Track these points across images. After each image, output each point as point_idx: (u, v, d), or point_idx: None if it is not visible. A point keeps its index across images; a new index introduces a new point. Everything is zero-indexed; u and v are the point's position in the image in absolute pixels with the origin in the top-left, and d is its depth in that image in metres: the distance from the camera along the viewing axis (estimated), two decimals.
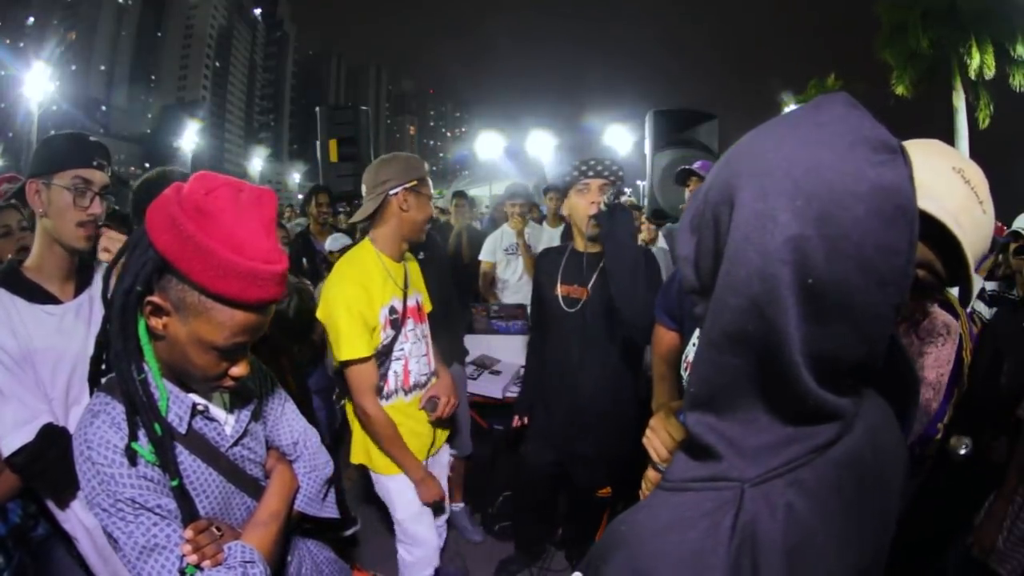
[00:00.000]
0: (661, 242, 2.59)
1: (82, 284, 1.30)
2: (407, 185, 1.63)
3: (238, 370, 0.86)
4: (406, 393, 1.74)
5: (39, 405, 1.15)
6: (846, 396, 0.48)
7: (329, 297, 1.60)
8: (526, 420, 2.22)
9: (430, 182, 1.70)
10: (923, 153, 0.80)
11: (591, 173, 1.82)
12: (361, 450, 1.76)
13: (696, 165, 2.52)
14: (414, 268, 1.87)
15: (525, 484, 2.38)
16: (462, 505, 2.69)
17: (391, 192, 1.64)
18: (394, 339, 1.68)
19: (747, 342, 0.45)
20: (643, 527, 0.49)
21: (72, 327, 1.24)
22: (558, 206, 3.48)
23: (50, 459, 1.11)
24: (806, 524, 0.45)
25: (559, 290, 1.96)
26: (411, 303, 1.75)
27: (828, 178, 0.41)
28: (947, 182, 0.79)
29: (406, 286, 1.74)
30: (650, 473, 1.08)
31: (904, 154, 0.43)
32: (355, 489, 3.15)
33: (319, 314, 1.66)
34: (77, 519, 1.22)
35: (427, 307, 1.89)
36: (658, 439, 1.05)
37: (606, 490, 2.18)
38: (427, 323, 1.86)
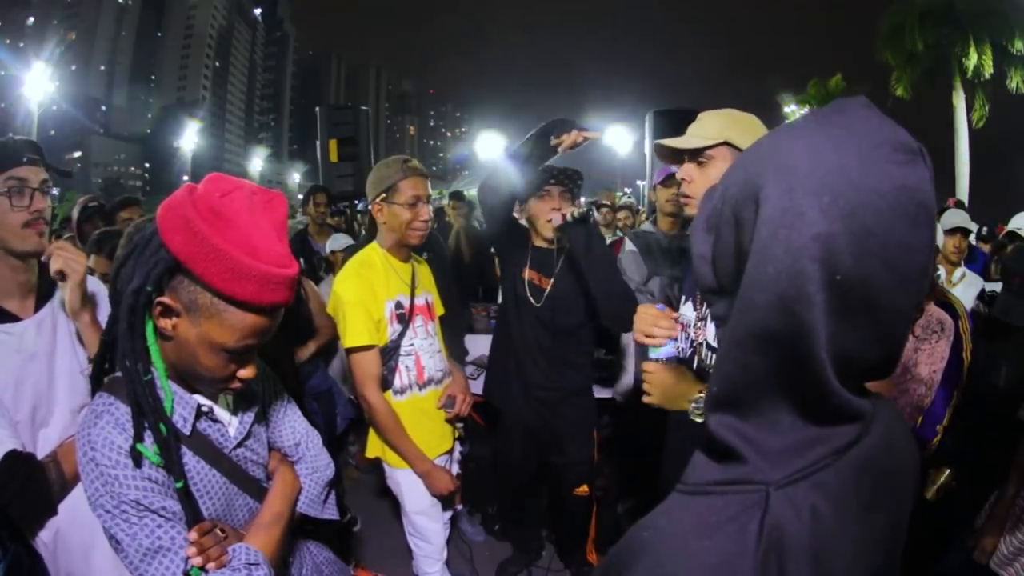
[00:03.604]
0: (628, 245, 2.58)
1: (44, 296, 1.23)
2: (378, 198, 1.69)
3: (246, 372, 0.86)
4: (420, 388, 1.77)
5: (1, 432, 1.07)
6: (865, 396, 0.48)
7: (337, 291, 1.67)
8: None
9: (412, 182, 1.66)
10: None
11: (552, 180, 1.95)
12: (377, 443, 1.79)
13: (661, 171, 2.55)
14: (424, 270, 1.92)
15: (503, 483, 2.40)
16: (460, 506, 2.70)
17: (369, 206, 1.75)
18: (402, 334, 1.72)
19: (773, 340, 0.44)
20: (667, 533, 0.48)
21: (33, 344, 1.17)
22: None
23: (13, 489, 1.04)
24: (830, 527, 0.45)
25: (526, 274, 2.06)
26: (419, 301, 1.79)
27: (854, 176, 0.42)
28: None
29: (414, 285, 1.78)
30: (645, 364, 1.21)
31: (924, 156, 0.44)
32: (356, 488, 3.15)
33: (329, 308, 1.74)
34: (41, 542, 1.15)
35: (439, 310, 1.94)
36: (642, 320, 1.20)
37: (583, 488, 2.18)
38: (438, 322, 1.90)
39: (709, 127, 1.26)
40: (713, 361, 1.24)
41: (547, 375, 2.05)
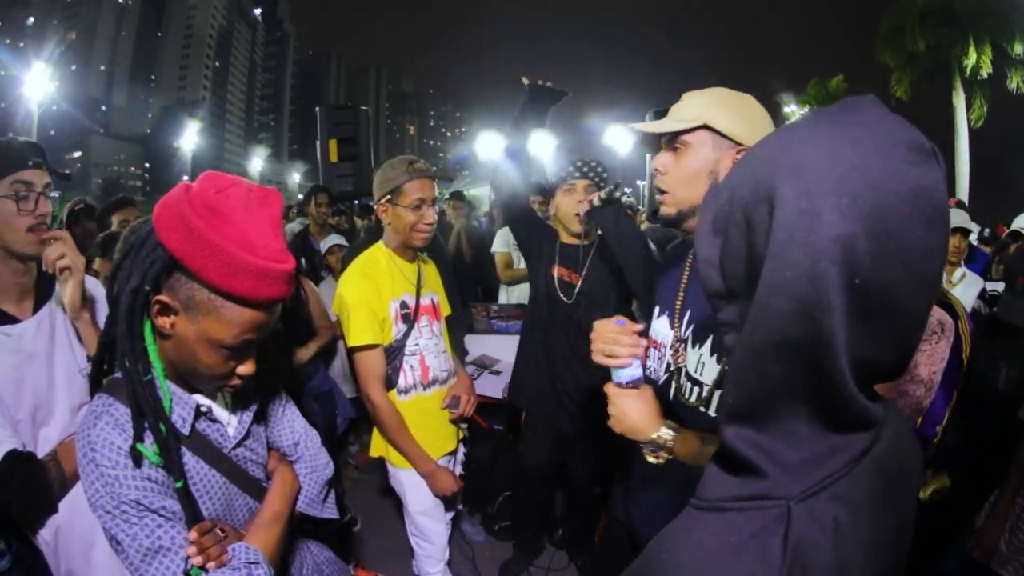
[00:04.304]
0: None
1: (42, 297, 1.24)
2: (383, 199, 1.69)
3: (245, 368, 0.86)
4: (425, 388, 1.77)
5: (1, 431, 1.08)
6: (877, 401, 0.48)
7: (342, 290, 1.67)
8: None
9: (417, 184, 1.65)
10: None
11: (577, 174, 1.95)
12: (380, 443, 1.79)
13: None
14: (431, 270, 1.92)
15: (523, 484, 2.40)
16: (460, 506, 2.70)
17: (375, 206, 1.75)
18: (407, 334, 1.72)
19: (793, 347, 0.43)
20: (688, 554, 0.47)
21: (32, 345, 1.18)
22: (542, 209, 3.51)
23: (14, 488, 1.05)
24: (850, 538, 0.45)
25: (555, 271, 2.05)
26: (425, 301, 1.79)
27: (873, 177, 0.41)
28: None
29: (419, 285, 1.78)
30: (608, 388, 1.05)
31: (937, 156, 0.43)
32: (356, 488, 3.15)
33: (334, 307, 1.74)
34: (43, 540, 1.17)
35: (446, 310, 1.94)
36: (600, 337, 1.04)
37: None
38: (444, 322, 1.90)
39: (687, 109, 1.06)
40: (694, 394, 1.10)
41: (579, 376, 2.03)
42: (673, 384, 1.14)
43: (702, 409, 1.07)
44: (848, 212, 0.40)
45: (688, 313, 1.13)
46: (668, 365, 1.16)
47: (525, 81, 1.75)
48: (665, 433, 1.00)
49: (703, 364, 1.08)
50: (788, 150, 0.44)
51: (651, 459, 1.02)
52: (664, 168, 1.08)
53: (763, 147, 0.47)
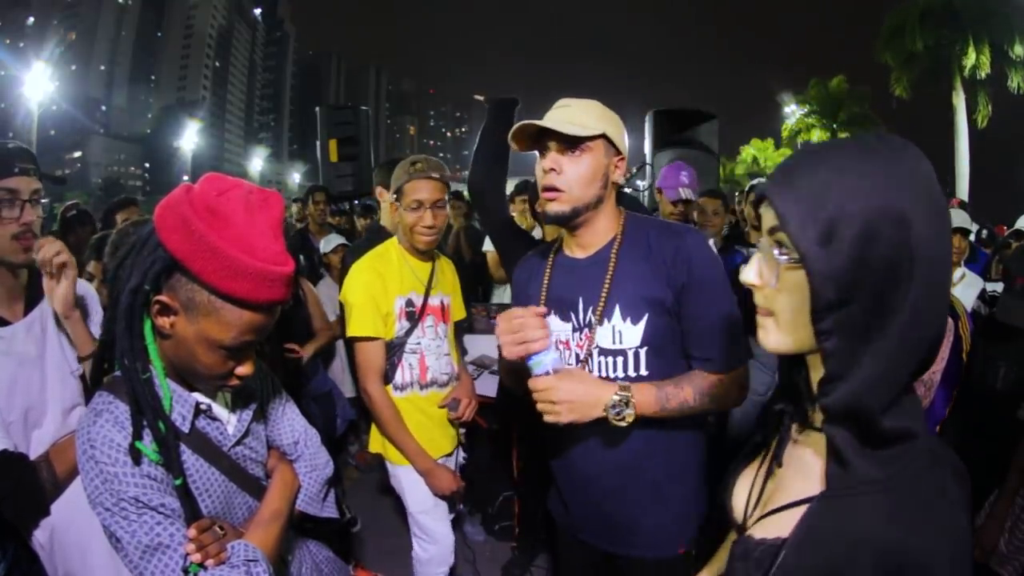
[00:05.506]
0: None
1: (33, 300, 1.23)
2: (393, 199, 1.71)
3: (244, 369, 0.86)
4: (422, 388, 1.76)
5: None
6: None
7: (348, 281, 1.70)
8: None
9: (415, 185, 1.65)
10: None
11: None
12: (379, 438, 1.78)
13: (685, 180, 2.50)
14: (447, 272, 1.89)
15: (523, 487, 2.40)
16: (461, 506, 2.70)
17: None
18: (409, 331, 1.72)
19: (937, 334, 0.55)
20: (929, 531, 0.53)
21: (24, 347, 1.18)
22: (523, 208, 3.50)
23: (6, 489, 1.06)
24: None
25: None
26: (433, 301, 1.78)
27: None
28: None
29: (429, 284, 1.77)
30: (536, 381, 1.03)
31: None
32: (356, 488, 3.16)
33: (340, 297, 1.76)
34: (38, 543, 1.17)
35: (458, 314, 1.91)
36: (509, 330, 1.03)
37: None
38: (451, 326, 1.88)
39: (586, 117, 1.12)
40: (618, 364, 1.14)
41: None
42: (587, 369, 1.18)
43: (632, 374, 1.14)
44: (947, 233, 0.54)
45: (580, 300, 1.19)
46: (577, 355, 1.20)
47: (480, 98, 1.80)
48: (620, 391, 1.04)
49: (620, 333, 1.14)
50: (911, 174, 0.53)
51: (617, 423, 1.04)
52: (559, 168, 1.12)
53: (875, 164, 0.53)
